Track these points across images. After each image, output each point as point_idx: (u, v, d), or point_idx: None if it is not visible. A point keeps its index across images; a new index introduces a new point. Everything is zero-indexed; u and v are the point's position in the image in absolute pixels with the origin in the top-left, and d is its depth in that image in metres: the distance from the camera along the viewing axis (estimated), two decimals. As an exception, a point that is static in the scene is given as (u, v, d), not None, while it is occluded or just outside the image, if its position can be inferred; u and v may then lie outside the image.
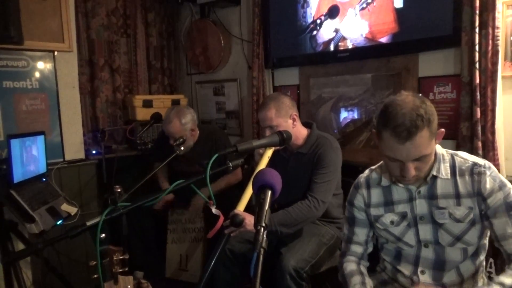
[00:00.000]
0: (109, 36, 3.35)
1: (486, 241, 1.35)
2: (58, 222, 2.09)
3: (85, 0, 3.16)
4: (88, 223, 1.00)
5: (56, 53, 2.71)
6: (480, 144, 1.95)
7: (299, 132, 2.04)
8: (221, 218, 1.19)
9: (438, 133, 1.24)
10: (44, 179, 2.30)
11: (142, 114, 3.25)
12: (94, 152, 3.02)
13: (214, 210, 1.20)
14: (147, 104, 3.28)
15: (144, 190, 2.14)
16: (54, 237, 1.00)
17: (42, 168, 2.29)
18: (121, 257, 1.14)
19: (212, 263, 1.35)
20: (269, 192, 0.99)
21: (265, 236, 0.92)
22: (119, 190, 2.37)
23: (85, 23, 3.18)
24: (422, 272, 1.34)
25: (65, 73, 2.78)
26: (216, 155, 1.17)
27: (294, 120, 2.02)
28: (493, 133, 1.93)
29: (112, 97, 3.41)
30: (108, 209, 1.03)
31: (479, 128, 1.96)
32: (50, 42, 2.67)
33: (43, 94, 2.67)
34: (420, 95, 1.27)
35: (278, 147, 1.64)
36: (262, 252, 0.87)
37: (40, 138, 2.27)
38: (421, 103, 1.19)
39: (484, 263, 1.39)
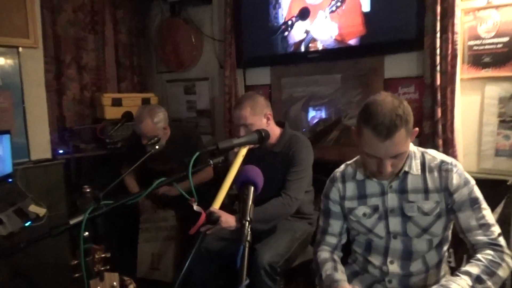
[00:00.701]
0: (76, 32, 3.26)
1: (449, 233, 1.45)
2: (27, 224, 2.04)
3: (50, -5, 3.06)
4: (72, 222, 1.00)
5: (20, 49, 2.62)
6: (441, 141, 2.09)
7: (273, 131, 2.09)
8: (203, 215, 1.21)
9: (413, 131, 1.32)
10: (10, 180, 2.23)
11: (111, 113, 3.19)
12: (61, 151, 2.94)
13: (195, 207, 1.22)
14: (117, 102, 3.22)
15: (120, 190, 2.12)
16: (36, 236, 0.99)
17: (7, 168, 2.22)
18: (102, 255, 1.14)
19: (188, 261, 1.37)
20: (252, 188, 1.03)
21: (249, 229, 0.96)
22: (88, 190, 2.34)
23: (50, 19, 3.08)
24: (391, 262, 1.43)
25: (31, 70, 2.69)
26: (198, 153, 1.19)
27: (268, 119, 2.07)
28: (452, 131, 2.06)
29: (79, 95, 3.31)
30: (91, 207, 1.04)
31: (440, 126, 2.09)
32: (15, 37, 2.58)
33: (7, 91, 2.58)
34: (397, 95, 1.35)
35: (252, 146, 1.68)
36: (247, 245, 0.91)
37: (6, 137, 2.20)
38: (399, 104, 1.27)
39: (446, 253, 1.49)
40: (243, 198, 1.00)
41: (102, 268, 1.13)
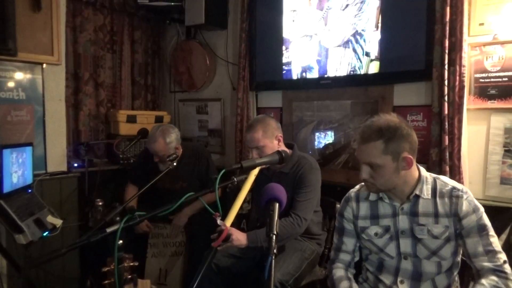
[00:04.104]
0: (95, 51, 3.41)
1: (459, 259, 1.51)
2: (44, 234, 2.09)
3: (74, 15, 3.21)
4: (108, 230, 1.07)
5: (44, 65, 2.73)
6: (447, 168, 2.16)
7: (285, 152, 2.17)
8: (226, 229, 1.28)
9: (404, 158, 1.39)
10: (29, 190, 2.29)
11: (126, 129, 3.29)
12: (75, 165, 3.02)
13: (218, 221, 1.29)
14: (131, 119, 3.32)
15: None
16: (75, 242, 1.05)
17: (28, 179, 2.29)
18: (131, 264, 1.21)
19: (199, 277, 1.42)
20: (277, 205, 1.11)
21: (274, 243, 1.03)
22: (100, 203, 2.40)
23: (72, 37, 3.22)
24: (401, 282, 1.48)
25: (53, 85, 2.79)
26: (224, 170, 1.27)
27: (279, 141, 2.15)
28: (459, 159, 2.14)
29: (95, 111, 3.43)
30: (126, 217, 1.11)
31: (447, 154, 2.16)
32: (40, 54, 2.69)
33: (30, 105, 2.68)
34: (405, 123, 1.43)
35: (264, 166, 1.76)
36: (274, 257, 0.98)
37: (28, 149, 2.28)
38: (396, 124, 1.39)
39: (456, 278, 1.54)
40: (270, 214, 1.08)
41: (129, 276, 1.19)
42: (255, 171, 1.65)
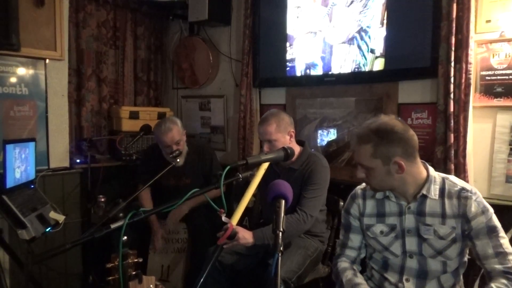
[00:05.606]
0: (98, 46, 3.39)
1: (466, 259, 1.49)
2: (47, 230, 2.09)
3: (77, 10, 3.19)
4: (113, 226, 1.06)
5: (47, 61, 2.73)
6: (452, 166, 2.14)
7: (294, 149, 2.16)
8: (231, 226, 1.27)
9: (395, 162, 1.37)
10: (32, 186, 2.29)
11: (128, 125, 3.28)
12: (78, 161, 3.01)
13: (223, 218, 1.28)
14: (134, 115, 3.31)
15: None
16: (80, 238, 1.05)
17: (31, 175, 2.28)
18: (135, 260, 1.20)
19: (205, 275, 1.41)
20: (283, 201, 1.10)
21: (281, 240, 1.02)
22: (103, 200, 2.39)
23: (75, 33, 3.21)
24: (407, 280, 1.47)
25: (55, 81, 2.79)
26: (229, 166, 1.26)
27: (291, 136, 2.15)
28: (464, 157, 2.12)
29: (97, 107, 3.42)
30: (131, 213, 1.10)
31: (452, 152, 2.15)
32: (43, 50, 2.69)
33: (32, 101, 2.67)
34: (402, 125, 1.41)
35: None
36: (280, 254, 0.97)
37: (31, 145, 2.28)
38: (389, 128, 1.37)
39: (461, 278, 1.53)
40: (276, 210, 1.07)
41: (134, 272, 1.18)
42: (265, 166, 1.64)
